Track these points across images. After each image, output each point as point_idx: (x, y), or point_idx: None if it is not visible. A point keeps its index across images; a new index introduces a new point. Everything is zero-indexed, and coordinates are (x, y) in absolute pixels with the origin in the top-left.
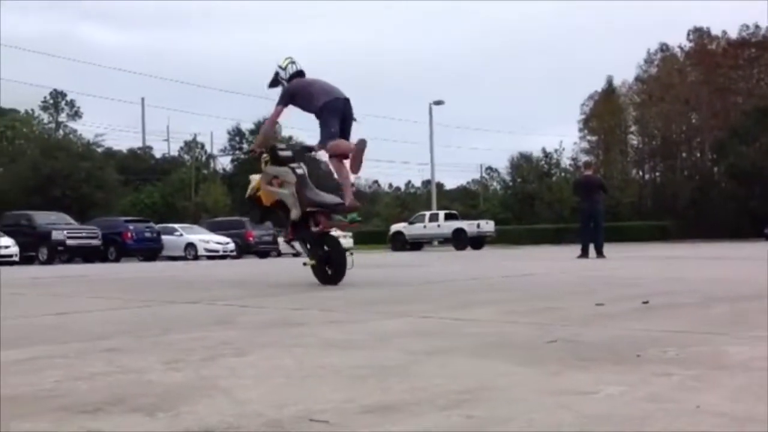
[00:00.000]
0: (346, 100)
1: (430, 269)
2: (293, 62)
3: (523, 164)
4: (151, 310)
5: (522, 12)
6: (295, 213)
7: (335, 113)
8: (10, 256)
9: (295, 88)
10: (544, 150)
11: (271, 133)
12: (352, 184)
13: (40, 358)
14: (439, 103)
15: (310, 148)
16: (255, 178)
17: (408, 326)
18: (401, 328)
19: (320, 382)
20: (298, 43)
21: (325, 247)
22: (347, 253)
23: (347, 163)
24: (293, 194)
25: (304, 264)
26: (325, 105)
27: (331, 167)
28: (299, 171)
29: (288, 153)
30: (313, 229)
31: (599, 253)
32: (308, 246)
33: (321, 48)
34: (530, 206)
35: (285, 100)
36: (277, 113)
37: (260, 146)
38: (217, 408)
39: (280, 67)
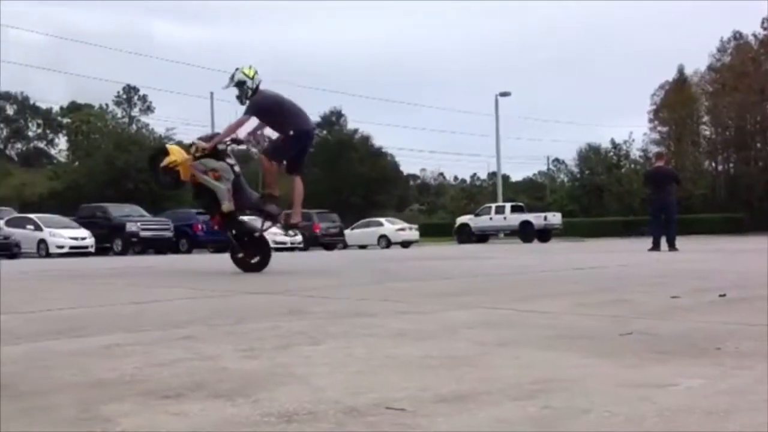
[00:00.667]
0: (314, 130)
1: (498, 261)
2: (257, 73)
3: (591, 155)
4: (224, 300)
5: (590, 1)
6: (227, 206)
7: (301, 144)
8: (86, 247)
9: (267, 104)
10: (613, 141)
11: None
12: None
13: (121, 345)
14: (505, 94)
15: (239, 141)
16: (175, 150)
17: (477, 317)
18: (470, 319)
19: (393, 371)
20: (360, 36)
21: (257, 245)
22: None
23: (299, 182)
24: (229, 189)
25: (236, 256)
26: (302, 133)
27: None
28: (237, 169)
29: (223, 146)
30: (256, 234)
31: (671, 246)
32: (235, 237)
33: (386, 40)
34: (598, 198)
35: (253, 112)
36: (244, 122)
37: (215, 146)
38: (295, 395)
39: (246, 75)
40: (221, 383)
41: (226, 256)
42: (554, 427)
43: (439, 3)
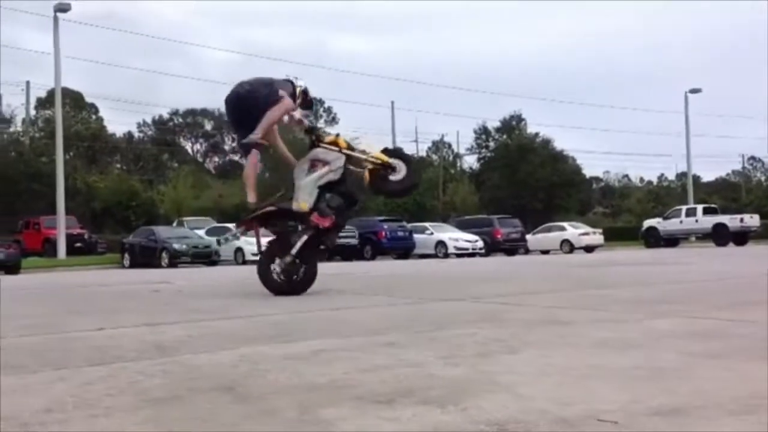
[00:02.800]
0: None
1: (692, 267)
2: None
3: None
4: (419, 307)
5: None
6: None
7: None
8: None
9: None
10: None
11: None
12: None
13: (327, 351)
14: (695, 91)
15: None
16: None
17: (679, 326)
18: (673, 328)
19: (599, 382)
20: (542, 36)
21: None
22: None
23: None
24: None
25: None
26: None
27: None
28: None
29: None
30: None
31: None
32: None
33: (566, 42)
34: None
35: None
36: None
37: None
38: (501, 403)
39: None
40: (429, 390)
41: (409, 262)
42: None
43: (621, 3)
